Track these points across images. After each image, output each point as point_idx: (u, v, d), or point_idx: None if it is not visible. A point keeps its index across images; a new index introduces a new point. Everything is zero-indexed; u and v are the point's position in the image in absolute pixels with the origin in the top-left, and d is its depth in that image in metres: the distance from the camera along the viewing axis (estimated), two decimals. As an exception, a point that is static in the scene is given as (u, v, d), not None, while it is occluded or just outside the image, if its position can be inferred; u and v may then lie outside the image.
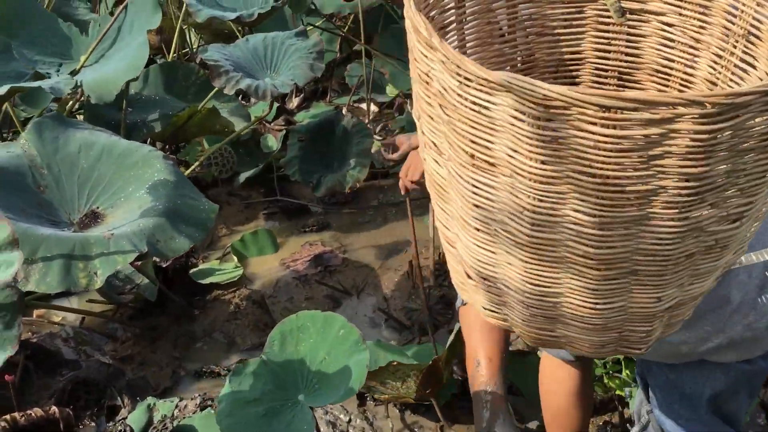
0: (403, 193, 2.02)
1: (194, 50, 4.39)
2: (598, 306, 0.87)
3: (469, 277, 0.94)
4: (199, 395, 2.26)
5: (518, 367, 2.20)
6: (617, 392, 2.08)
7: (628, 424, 1.99)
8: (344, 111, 3.13)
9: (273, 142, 3.35)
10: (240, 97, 3.66)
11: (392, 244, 2.96)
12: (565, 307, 0.88)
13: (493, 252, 0.88)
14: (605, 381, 2.09)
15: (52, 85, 1.79)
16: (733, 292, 1.15)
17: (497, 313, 0.96)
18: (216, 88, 3.19)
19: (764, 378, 1.32)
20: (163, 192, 2.15)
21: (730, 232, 0.82)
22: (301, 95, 4.12)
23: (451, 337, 1.84)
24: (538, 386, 2.19)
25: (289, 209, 3.19)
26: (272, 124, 3.73)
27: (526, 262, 0.85)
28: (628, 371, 2.08)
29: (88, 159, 2.23)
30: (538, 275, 0.86)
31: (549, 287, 0.87)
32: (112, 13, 2.66)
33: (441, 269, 2.76)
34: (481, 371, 1.69)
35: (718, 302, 1.14)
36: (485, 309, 0.97)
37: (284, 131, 3.48)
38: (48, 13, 2.57)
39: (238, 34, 3.80)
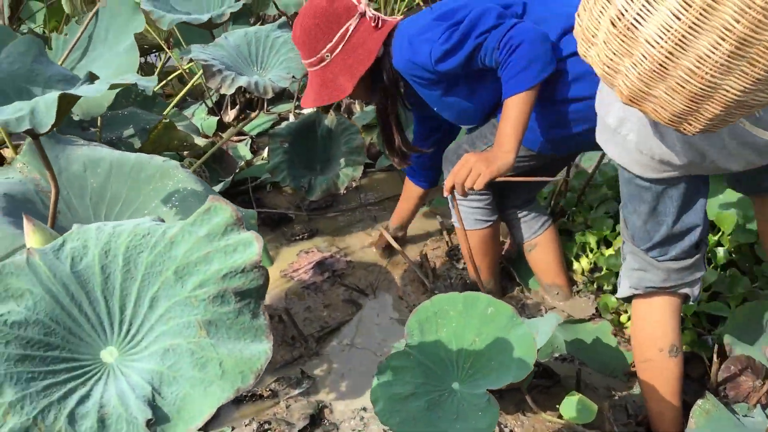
0: (446, 195, 1.98)
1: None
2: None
3: (613, 26, 1.06)
4: (252, 420, 2.07)
5: (575, 337, 2.20)
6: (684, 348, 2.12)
7: (706, 377, 2.02)
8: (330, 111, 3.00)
9: (245, 151, 3.17)
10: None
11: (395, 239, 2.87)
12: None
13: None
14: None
15: (137, 81, 1.56)
16: None
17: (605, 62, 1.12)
18: (170, 105, 3.00)
19: None
20: (195, 202, 1.96)
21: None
22: (237, 106, 3.94)
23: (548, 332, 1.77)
24: (597, 353, 2.20)
25: (270, 220, 3.02)
26: (222, 136, 3.53)
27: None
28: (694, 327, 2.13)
29: (97, 177, 2.00)
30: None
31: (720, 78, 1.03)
32: (78, 23, 2.39)
33: (455, 255, 2.73)
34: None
35: None
36: (605, 58, 1.11)
37: (249, 140, 3.30)
38: (7, 30, 2.27)
39: (167, 46, 3.57)
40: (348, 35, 2.07)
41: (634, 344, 1.78)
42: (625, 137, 1.45)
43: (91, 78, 1.58)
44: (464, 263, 2.67)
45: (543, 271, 2.47)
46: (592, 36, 1.12)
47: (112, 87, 1.48)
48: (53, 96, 1.34)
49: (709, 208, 2.24)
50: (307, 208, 3.08)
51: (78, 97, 1.41)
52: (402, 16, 2.17)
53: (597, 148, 2.23)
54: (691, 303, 1.71)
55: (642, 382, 1.78)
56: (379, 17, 2.10)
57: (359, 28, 2.08)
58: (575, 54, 1.94)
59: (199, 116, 3.79)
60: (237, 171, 3.13)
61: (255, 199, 3.10)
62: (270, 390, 2.22)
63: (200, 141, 2.97)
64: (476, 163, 1.86)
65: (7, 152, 2.74)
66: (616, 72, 1.11)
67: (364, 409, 2.10)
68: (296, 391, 2.21)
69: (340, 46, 2.08)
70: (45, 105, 1.34)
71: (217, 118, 3.65)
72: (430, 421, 1.34)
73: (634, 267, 1.68)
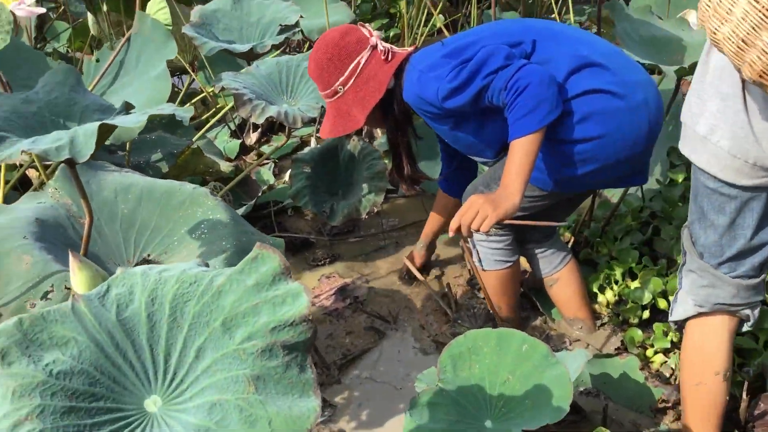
0: (451, 235, 1.93)
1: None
2: None
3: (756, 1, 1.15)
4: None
5: (602, 371, 2.18)
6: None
7: (734, 413, 2.00)
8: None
9: (268, 175, 3.17)
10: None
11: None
12: None
13: None
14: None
15: (174, 112, 1.56)
16: None
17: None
18: (200, 133, 3.01)
19: None
20: (224, 231, 1.96)
21: None
22: (259, 129, 3.95)
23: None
24: (624, 388, 2.18)
25: (292, 244, 3.01)
26: (246, 159, 3.54)
27: None
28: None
29: (128, 203, 2.00)
30: None
31: None
32: (111, 48, 2.41)
33: (477, 284, 2.71)
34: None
35: None
36: (742, 33, 1.19)
37: (272, 164, 3.31)
38: (34, 51, 2.29)
39: (191, 69, 3.59)
40: (360, 68, 2.12)
41: (685, 366, 1.78)
42: (716, 144, 1.47)
43: (127, 108, 1.58)
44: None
45: (565, 305, 2.46)
46: (727, 12, 1.19)
47: (150, 118, 1.48)
48: (93, 126, 1.34)
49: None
50: (328, 233, 3.07)
51: (115, 127, 1.42)
52: (413, 48, 2.19)
53: (608, 187, 2.24)
54: (749, 327, 1.71)
55: (688, 406, 1.78)
56: (389, 49, 2.14)
57: (371, 60, 2.12)
58: (583, 93, 1.96)
59: (222, 139, 3.80)
60: (259, 195, 3.13)
61: (276, 223, 3.10)
62: (292, 419, 2.20)
63: (225, 167, 2.98)
64: (483, 206, 1.84)
65: (33, 173, 2.76)
66: (750, 46, 1.18)
67: (387, 440, 2.08)
68: (318, 420, 2.19)
69: (353, 79, 2.12)
70: (84, 135, 1.34)
71: (240, 141, 3.66)
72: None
73: (702, 284, 1.68)
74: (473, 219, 1.86)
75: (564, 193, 2.16)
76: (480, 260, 2.32)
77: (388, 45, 2.15)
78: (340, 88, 2.13)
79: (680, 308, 1.75)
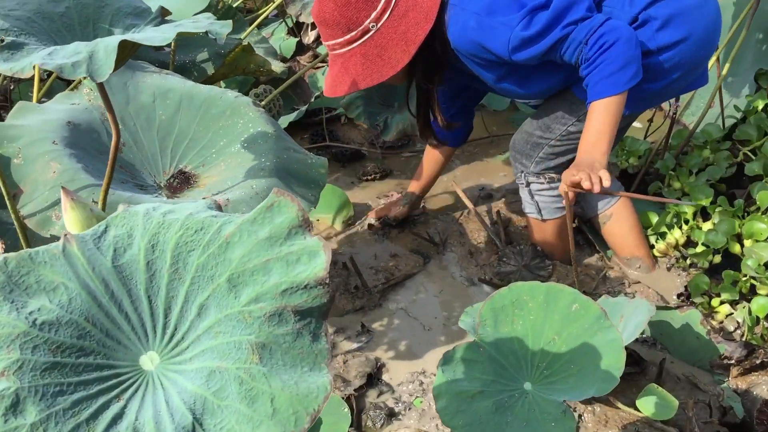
0: (567, 191, 1.75)
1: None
2: None
3: None
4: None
5: (661, 321, 2.02)
6: None
7: None
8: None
9: (323, 80, 3.01)
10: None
11: (468, 190, 2.71)
12: None
13: None
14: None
15: (208, 29, 1.41)
16: None
17: None
18: (251, 28, 2.85)
19: None
20: (266, 146, 1.83)
21: None
22: (317, 28, 3.75)
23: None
24: (684, 342, 2.03)
25: (342, 155, 2.88)
26: (301, 61, 3.38)
27: None
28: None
29: (166, 110, 1.88)
30: None
31: None
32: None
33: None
34: None
35: None
36: None
37: (326, 68, 3.13)
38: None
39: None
40: None
41: None
42: None
43: (163, 14, 1.43)
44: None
45: (620, 243, 2.29)
46: None
47: (180, 35, 1.33)
48: (114, 42, 1.20)
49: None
50: (381, 146, 2.92)
51: (140, 45, 1.27)
52: None
53: (687, 90, 2.05)
54: None
55: None
56: None
57: None
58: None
59: (278, 36, 3.63)
60: (312, 100, 2.99)
61: (328, 131, 2.96)
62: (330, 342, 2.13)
63: (277, 67, 2.83)
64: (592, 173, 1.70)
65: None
66: None
67: (423, 372, 1.99)
68: (355, 345, 2.12)
69: (387, 13, 1.79)
70: (105, 51, 1.21)
71: (297, 39, 3.48)
72: (498, 426, 1.21)
73: None
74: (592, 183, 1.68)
75: (634, 114, 2.05)
76: (539, 211, 2.18)
77: None
78: (373, 26, 1.79)
79: None
